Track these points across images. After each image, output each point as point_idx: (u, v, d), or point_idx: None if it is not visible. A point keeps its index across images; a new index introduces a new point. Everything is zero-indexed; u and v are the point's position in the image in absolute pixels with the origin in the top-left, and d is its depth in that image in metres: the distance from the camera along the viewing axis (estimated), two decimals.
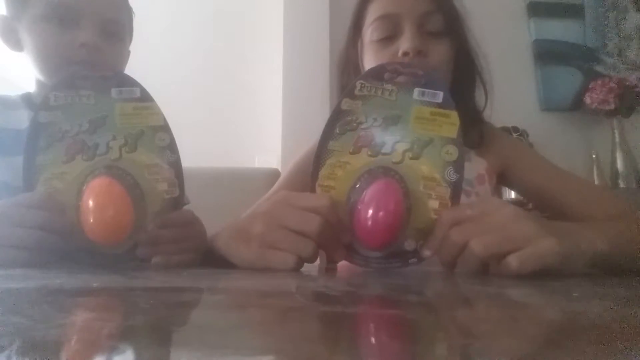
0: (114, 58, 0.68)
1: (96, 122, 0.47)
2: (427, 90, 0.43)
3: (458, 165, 0.42)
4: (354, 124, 0.44)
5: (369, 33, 0.66)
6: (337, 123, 0.44)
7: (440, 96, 0.43)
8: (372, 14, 0.66)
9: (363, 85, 0.44)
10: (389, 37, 0.64)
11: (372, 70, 0.45)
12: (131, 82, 0.48)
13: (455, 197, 0.42)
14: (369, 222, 0.39)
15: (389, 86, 0.44)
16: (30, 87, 0.72)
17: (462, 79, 0.69)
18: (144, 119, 0.47)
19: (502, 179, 0.72)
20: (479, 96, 0.73)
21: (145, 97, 0.48)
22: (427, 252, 0.41)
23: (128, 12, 0.71)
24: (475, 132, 0.71)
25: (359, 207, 0.40)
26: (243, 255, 0.41)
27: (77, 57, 0.62)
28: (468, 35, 0.70)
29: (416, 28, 0.63)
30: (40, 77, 0.66)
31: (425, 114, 0.43)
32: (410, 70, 0.45)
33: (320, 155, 0.44)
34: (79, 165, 0.46)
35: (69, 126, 0.46)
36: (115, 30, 0.67)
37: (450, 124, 0.43)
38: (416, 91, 0.44)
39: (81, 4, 0.63)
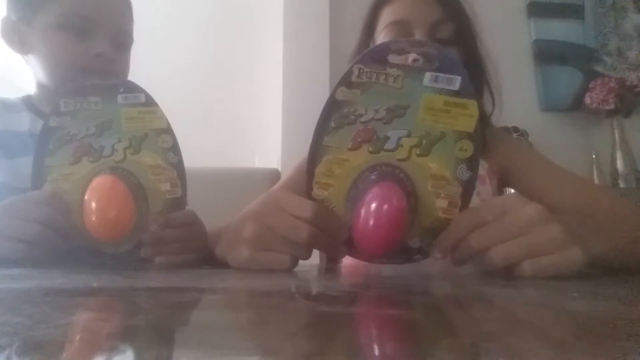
0: (123, 67, 0.70)
1: (102, 126, 0.49)
2: (441, 75, 0.37)
3: (472, 163, 0.37)
4: (352, 117, 0.38)
5: (382, 37, 0.68)
6: (332, 116, 0.38)
7: (457, 82, 0.36)
8: (385, 18, 0.68)
9: (362, 71, 0.37)
10: None
11: (372, 50, 0.38)
12: (137, 89, 0.50)
13: (466, 196, 0.38)
14: (368, 235, 0.36)
15: (393, 70, 0.37)
16: (31, 88, 0.72)
17: None
18: (148, 123, 0.49)
19: (504, 180, 0.73)
20: (486, 99, 0.74)
21: (149, 102, 0.49)
22: (438, 255, 0.38)
23: (132, 22, 0.73)
24: None
25: (357, 217, 0.36)
26: (236, 257, 0.41)
27: (92, 67, 0.63)
28: (478, 42, 0.71)
29: (427, 35, 0.64)
30: (47, 83, 0.67)
31: (437, 104, 0.37)
32: (421, 49, 0.37)
33: (315, 151, 0.39)
34: (85, 166, 0.48)
35: (77, 130, 0.48)
36: (125, 40, 0.70)
37: (468, 116, 0.37)
38: (428, 76, 0.37)
39: (97, 15, 0.65)
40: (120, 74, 0.69)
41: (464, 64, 0.67)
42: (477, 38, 0.71)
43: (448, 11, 0.66)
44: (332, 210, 0.40)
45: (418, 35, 0.65)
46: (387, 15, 0.68)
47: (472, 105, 0.37)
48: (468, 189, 0.38)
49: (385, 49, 0.38)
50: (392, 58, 0.38)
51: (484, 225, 0.36)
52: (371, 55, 0.38)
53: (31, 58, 0.67)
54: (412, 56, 0.37)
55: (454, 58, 0.38)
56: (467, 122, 0.37)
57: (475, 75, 0.71)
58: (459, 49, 0.67)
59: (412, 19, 0.65)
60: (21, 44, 0.66)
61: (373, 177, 0.38)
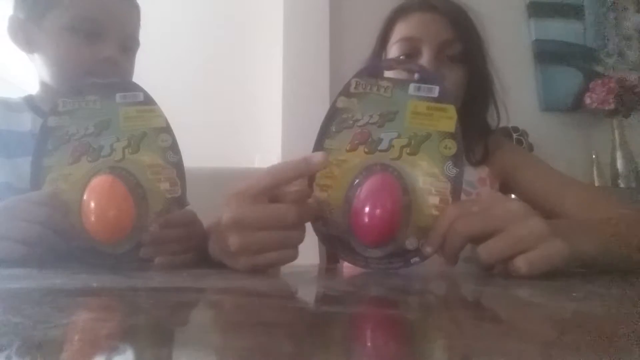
0: (128, 70, 0.70)
1: (101, 125, 0.48)
2: (422, 85, 0.43)
3: (457, 160, 0.42)
4: (350, 122, 0.43)
5: (393, 50, 0.71)
6: (333, 121, 0.43)
7: (436, 90, 0.43)
8: (397, 34, 0.72)
9: (358, 83, 0.44)
10: (409, 56, 0.69)
11: (367, 67, 0.45)
12: (135, 88, 0.49)
13: (455, 192, 0.41)
14: (366, 218, 0.38)
15: (384, 83, 0.44)
16: (32, 88, 0.72)
17: (474, 100, 0.72)
18: (146, 122, 0.48)
19: (505, 186, 0.74)
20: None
21: (148, 101, 0.49)
22: (428, 249, 0.40)
23: (139, 24, 0.73)
24: (479, 148, 0.73)
25: (356, 203, 0.39)
26: (237, 268, 0.39)
27: (99, 71, 0.63)
28: (487, 61, 0.73)
29: (435, 53, 0.67)
30: (51, 83, 0.66)
31: (421, 109, 0.43)
32: (405, 66, 0.46)
33: None
34: (84, 166, 0.47)
35: (75, 129, 0.48)
36: (132, 44, 0.70)
37: (448, 118, 0.42)
38: (411, 86, 0.43)
39: (107, 19, 0.65)
40: (125, 77, 0.68)
41: (470, 79, 0.70)
42: (486, 57, 0.73)
43: (458, 31, 0.68)
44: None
45: (426, 53, 0.67)
46: (399, 31, 0.71)
47: (451, 109, 0.43)
48: (456, 185, 0.42)
49: (377, 66, 0.46)
50: (383, 72, 0.45)
51: (470, 214, 0.38)
52: (366, 71, 0.45)
53: (36, 57, 0.66)
54: (415, 76, 0.43)
55: (431, 72, 0.47)
56: (448, 123, 0.43)
57: (481, 91, 0.73)
58: (466, 67, 0.69)
59: (422, 37, 0.68)
60: (27, 43, 0.66)
61: (369, 175, 0.41)
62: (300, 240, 0.38)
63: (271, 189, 0.38)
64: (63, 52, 0.64)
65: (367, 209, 0.38)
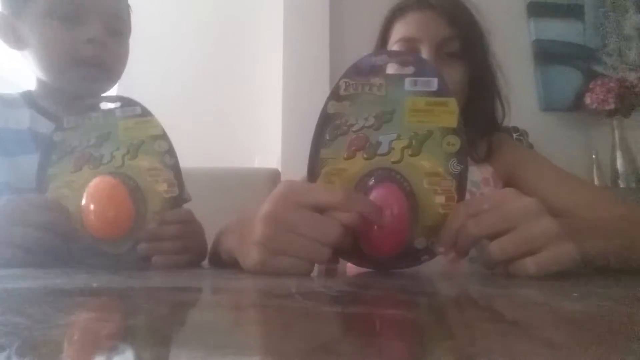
0: (117, 53, 0.68)
1: (102, 137, 0.52)
2: (419, 78, 0.39)
3: (461, 156, 0.39)
4: (344, 128, 0.40)
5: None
6: (326, 129, 0.40)
7: (434, 83, 0.39)
8: (396, 34, 0.72)
9: (348, 84, 0.40)
10: None
11: (356, 65, 0.41)
12: (133, 103, 0.52)
13: (460, 189, 0.40)
14: (373, 234, 0.36)
15: (376, 80, 0.40)
16: (28, 86, 0.72)
17: (478, 96, 0.72)
18: (144, 131, 0.51)
19: (508, 185, 0.73)
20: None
21: (145, 113, 0.52)
22: (441, 250, 0.39)
23: (127, 8, 0.72)
24: (483, 145, 0.73)
25: (362, 221, 0.36)
26: (249, 263, 0.37)
27: (84, 54, 0.62)
28: (489, 56, 0.73)
29: (434, 52, 0.67)
30: (44, 77, 0.66)
31: (420, 105, 0.39)
32: (399, 58, 0.43)
33: (313, 166, 0.40)
34: (86, 173, 0.50)
35: (78, 142, 0.52)
36: (117, 26, 0.68)
37: (449, 113, 0.39)
38: (407, 81, 0.39)
39: (84, 1, 0.63)
40: (114, 61, 0.67)
41: (473, 74, 0.70)
42: (487, 51, 0.73)
43: (457, 28, 0.68)
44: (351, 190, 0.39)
45: (425, 52, 0.67)
46: (397, 31, 0.72)
47: (452, 102, 0.40)
48: (462, 182, 0.40)
49: (367, 61, 0.41)
50: (375, 68, 0.41)
51: (481, 213, 0.37)
52: (355, 69, 0.41)
53: (27, 53, 0.65)
54: (408, 69, 0.40)
55: (428, 62, 0.41)
56: (449, 118, 0.40)
57: (484, 86, 0.72)
58: (467, 63, 0.69)
59: (420, 36, 0.68)
60: (15, 40, 0.65)
61: (371, 183, 0.39)
62: (324, 259, 0.36)
63: (328, 208, 0.36)
64: (45, 40, 0.62)
65: (373, 227, 0.36)
